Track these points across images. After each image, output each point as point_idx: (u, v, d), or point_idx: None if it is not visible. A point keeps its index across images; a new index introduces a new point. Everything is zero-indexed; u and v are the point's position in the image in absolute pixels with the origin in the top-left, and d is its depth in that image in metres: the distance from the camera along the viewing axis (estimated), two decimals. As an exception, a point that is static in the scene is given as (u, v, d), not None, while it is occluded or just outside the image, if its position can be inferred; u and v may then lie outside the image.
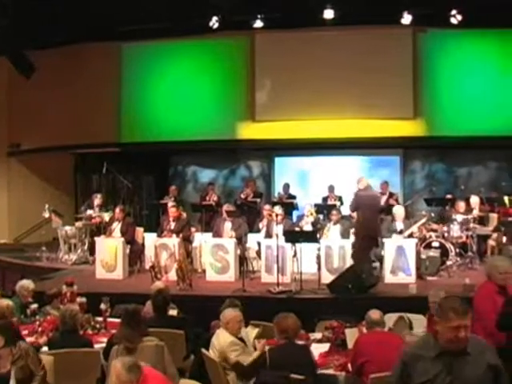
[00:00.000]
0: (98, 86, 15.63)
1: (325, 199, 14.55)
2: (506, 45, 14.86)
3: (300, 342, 6.21)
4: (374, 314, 5.98)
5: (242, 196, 14.49)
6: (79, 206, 15.09)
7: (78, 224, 13.37)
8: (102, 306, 7.63)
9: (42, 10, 13.20)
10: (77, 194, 17.46)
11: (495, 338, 6.04)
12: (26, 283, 8.04)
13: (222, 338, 6.17)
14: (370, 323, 5.95)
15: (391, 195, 14.27)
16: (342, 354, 6.29)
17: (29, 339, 6.54)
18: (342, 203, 14.09)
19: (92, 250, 12.63)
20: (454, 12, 13.60)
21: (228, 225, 11.84)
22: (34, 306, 7.75)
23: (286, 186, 15.23)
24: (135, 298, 8.15)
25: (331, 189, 14.70)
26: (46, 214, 13.44)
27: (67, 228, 13.34)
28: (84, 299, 7.92)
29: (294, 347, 5.81)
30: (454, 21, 13.72)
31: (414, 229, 11.47)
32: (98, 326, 7.42)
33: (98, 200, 13.72)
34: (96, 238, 12.05)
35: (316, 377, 5.73)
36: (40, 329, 7.06)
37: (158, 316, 7.15)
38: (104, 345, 6.44)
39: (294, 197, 14.83)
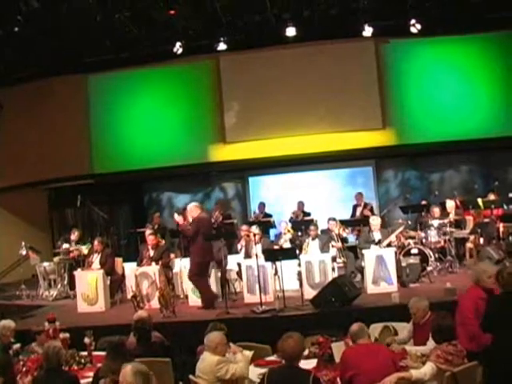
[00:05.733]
0: (67, 118, 15.57)
1: (293, 213, 14.56)
2: (468, 50, 15.17)
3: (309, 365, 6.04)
4: (355, 326, 5.96)
5: (212, 220, 14.48)
6: (56, 241, 14.93)
7: (56, 259, 13.22)
8: (86, 340, 7.51)
9: (6, 48, 13.14)
10: (53, 229, 17.30)
11: (478, 341, 6.08)
12: (7, 323, 7.87)
13: (208, 360, 6.11)
14: (354, 336, 5.93)
15: (366, 206, 14.34)
16: (330, 368, 6.25)
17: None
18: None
19: (72, 284, 12.50)
20: (413, 21, 13.79)
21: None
22: (17, 345, 7.60)
23: (262, 205, 15.26)
24: (119, 330, 8.03)
25: (300, 205, 14.74)
26: (24, 252, 13.26)
27: (45, 264, 13.18)
28: (67, 334, 7.80)
29: (292, 370, 5.49)
30: (413, 30, 13.92)
31: (393, 238, 11.50)
32: (83, 360, 7.30)
33: (74, 236, 13.63)
34: (75, 272, 11.93)
35: None
36: (24, 369, 6.93)
37: (143, 345, 7.06)
38: (90, 379, 6.34)
39: (269, 215, 14.85)
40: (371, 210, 14.23)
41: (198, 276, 10.59)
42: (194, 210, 10.72)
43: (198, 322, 9.19)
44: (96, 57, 14.91)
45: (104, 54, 14.78)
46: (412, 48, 15.18)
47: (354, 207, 14.53)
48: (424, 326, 6.63)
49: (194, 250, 10.65)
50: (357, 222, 13.53)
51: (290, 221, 13.76)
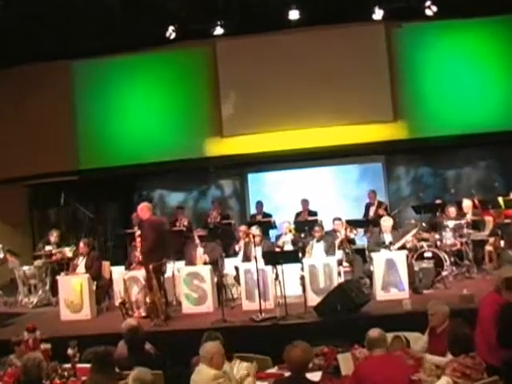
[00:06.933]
0: (50, 109, 15.51)
1: (298, 215, 14.53)
2: (489, 35, 15.01)
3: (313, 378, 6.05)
4: (375, 333, 5.94)
5: (210, 220, 14.50)
6: (37, 243, 14.89)
7: (37, 262, 13.17)
8: (70, 351, 7.49)
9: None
10: (33, 229, 17.24)
11: (498, 353, 6.05)
12: (-17, 333, 7.89)
13: (204, 373, 6.08)
14: (371, 344, 5.90)
15: (380, 205, 14.29)
16: (335, 381, 6.24)
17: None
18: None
19: (54, 289, 12.44)
20: (428, 3, 13.70)
21: (200, 250, 11.80)
22: (-7, 357, 7.60)
23: (260, 205, 15.24)
24: (106, 339, 8.00)
25: (304, 203, 14.67)
26: (1, 255, 13.22)
27: (25, 268, 13.12)
28: (48, 345, 7.77)
29: (299, 382, 5.61)
30: (429, 12, 13.80)
31: (409, 238, 11.48)
32: (66, 373, 7.27)
33: (53, 238, 13.55)
34: (58, 277, 11.89)
35: None
36: (0, 383, 6.91)
37: (134, 356, 7.04)
38: (74, 394, 6.33)
39: (269, 215, 14.82)
40: (386, 210, 14.16)
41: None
42: (145, 210, 10.83)
43: (193, 331, 9.18)
44: (81, 42, 14.81)
45: (89, 38, 14.68)
46: (427, 32, 15.05)
47: (367, 206, 14.49)
48: (441, 336, 6.59)
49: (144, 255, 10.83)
50: (365, 223, 13.50)
51: (294, 222, 13.73)
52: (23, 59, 15.07)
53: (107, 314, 11.65)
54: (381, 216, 13.08)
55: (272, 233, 14.23)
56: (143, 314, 10.60)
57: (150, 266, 10.61)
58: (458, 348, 5.75)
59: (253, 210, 15.96)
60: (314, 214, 14.43)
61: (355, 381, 5.71)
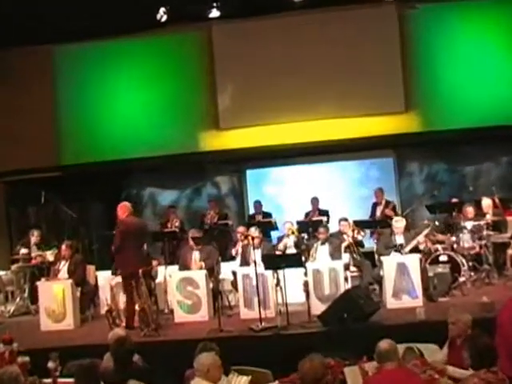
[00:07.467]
0: (29, 99, 15.47)
1: (308, 215, 14.50)
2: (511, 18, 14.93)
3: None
4: (385, 344, 5.89)
5: (206, 220, 14.49)
6: (15, 246, 14.87)
7: (15, 267, 13.16)
8: (50, 365, 7.43)
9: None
10: (10, 230, 17.18)
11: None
12: (-46, 346, 7.85)
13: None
14: (381, 357, 5.86)
15: (387, 204, 14.28)
16: (343, 398, 6.22)
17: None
18: (328, 218, 14.04)
19: (34, 297, 12.44)
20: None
21: (196, 254, 11.77)
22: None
23: (258, 204, 15.23)
24: (91, 351, 7.98)
25: (315, 201, 14.63)
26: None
27: (1, 273, 13.18)
28: (27, 358, 7.71)
29: None
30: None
31: (421, 239, 11.46)
32: (46, 389, 7.26)
33: (34, 238, 13.56)
34: (38, 283, 11.88)
35: None
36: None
37: (120, 370, 7.00)
38: (55, 411, 6.30)
39: (269, 214, 14.78)
40: (394, 209, 14.15)
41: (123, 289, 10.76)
42: (119, 212, 10.98)
43: (186, 342, 9.18)
44: (64, 24, 14.76)
45: (74, 20, 14.64)
46: (444, 15, 15.00)
47: (374, 206, 14.49)
48: (462, 348, 6.53)
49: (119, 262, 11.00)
50: (374, 224, 13.48)
51: (297, 222, 13.70)
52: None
53: (92, 324, 11.64)
54: (388, 216, 13.07)
55: (273, 234, 14.22)
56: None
57: (140, 271, 10.65)
58: (478, 360, 5.72)
59: (251, 210, 15.94)
60: (325, 213, 14.38)
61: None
